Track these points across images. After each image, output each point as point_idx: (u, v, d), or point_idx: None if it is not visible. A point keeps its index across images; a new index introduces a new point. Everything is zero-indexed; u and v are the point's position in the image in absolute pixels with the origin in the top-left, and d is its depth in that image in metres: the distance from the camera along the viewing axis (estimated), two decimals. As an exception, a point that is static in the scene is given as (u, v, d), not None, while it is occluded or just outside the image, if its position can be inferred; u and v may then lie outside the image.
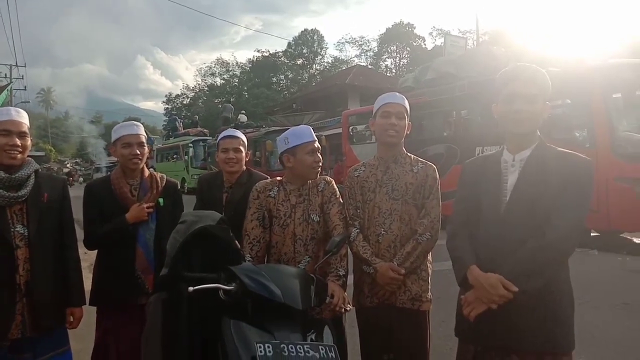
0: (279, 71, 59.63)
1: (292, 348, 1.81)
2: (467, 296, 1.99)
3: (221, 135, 3.23)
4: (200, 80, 64.13)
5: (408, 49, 53.37)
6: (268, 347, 1.79)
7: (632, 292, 5.54)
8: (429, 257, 2.67)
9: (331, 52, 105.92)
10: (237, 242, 2.35)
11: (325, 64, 59.32)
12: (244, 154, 3.13)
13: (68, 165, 54.09)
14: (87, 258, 3.58)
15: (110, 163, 35.03)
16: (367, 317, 2.68)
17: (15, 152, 2.40)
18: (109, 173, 3.01)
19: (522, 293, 1.85)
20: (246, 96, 54.75)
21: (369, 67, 48.85)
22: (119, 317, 2.83)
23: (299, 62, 59.59)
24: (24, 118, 2.48)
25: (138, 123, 3.02)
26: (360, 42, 57.36)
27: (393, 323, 2.59)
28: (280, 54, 60.02)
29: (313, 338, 1.96)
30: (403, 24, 53.53)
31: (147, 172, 2.97)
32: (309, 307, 2.06)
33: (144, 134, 2.96)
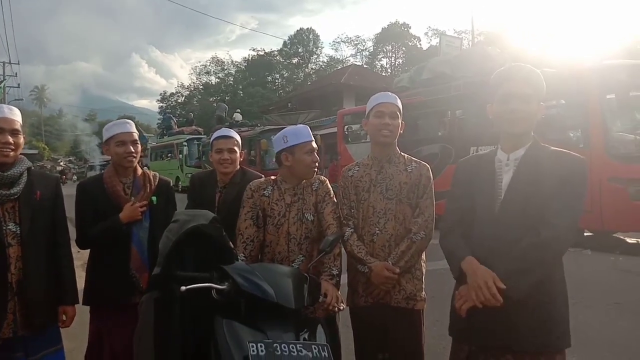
0: (275, 70, 59.62)
1: (284, 347, 1.80)
2: (460, 289, 2.00)
3: (215, 135, 3.22)
4: (195, 78, 64.11)
5: (403, 48, 53.49)
6: (261, 346, 1.78)
7: (624, 292, 5.58)
8: (423, 256, 2.67)
9: (327, 51, 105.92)
10: (230, 241, 2.34)
11: (321, 63, 59.41)
12: (238, 154, 3.12)
13: (61, 164, 53.82)
14: (80, 257, 3.56)
15: (104, 161, 34.89)
16: (362, 317, 2.68)
17: (8, 150, 2.38)
18: (102, 171, 2.99)
19: (516, 291, 1.85)
20: (241, 95, 54.73)
21: (365, 66, 48.96)
22: (113, 317, 2.81)
23: (294, 61, 59.61)
24: (16, 115, 2.46)
25: (130, 121, 3.00)
26: (355, 42, 57.52)
27: (388, 322, 2.60)
28: (275, 53, 60.07)
29: (306, 337, 1.95)
30: (399, 23, 53.67)
31: (139, 171, 2.96)
32: (302, 307, 2.06)
33: (136, 131, 2.95)
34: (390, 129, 2.62)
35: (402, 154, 2.74)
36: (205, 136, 25.08)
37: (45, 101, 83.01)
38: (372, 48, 56.02)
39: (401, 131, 2.68)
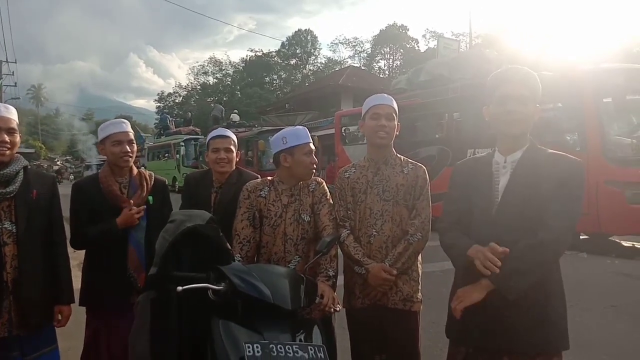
0: (272, 71, 59.60)
1: (281, 348, 1.80)
2: (458, 291, 1.99)
3: (211, 134, 3.21)
4: (192, 79, 64.05)
5: (401, 50, 53.54)
6: (257, 347, 1.78)
7: (620, 295, 5.59)
8: (419, 258, 2.67)
9: (325, 52, 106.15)
10: (226, 241, 2.34)
11: (319, 65, 59.41)
12: (234, 154, 3.11)
13: (58, 163, 53.71)
14: (76, 256, 3.54)
15: (101, 161, 34.76)
16: (358, 318, 2.68)
17: (4, 149, 2.38)
18: (98, 171, 2.99)
19: (514, 291, 1.85)
20: (239, 95, 54.69)
21: (362, 68, 48.97)
22: (110, 317, 2.80)
23: (292, 62, 59.61)
24: (12, 114, 2.45)
25: (125, 120, 3.00)
26: (353, 43, 57.49)
27: (384, 324, 2.60)
28: (273, 53, 60.00)
29: (302, 338, 1.95)
30: (397, 25, 53.72)
31: (135, 170, 2.95)
32: (299, 307, 2.05)
33: (132, 131, 2.94)
34: (387, 130, 2.62)
35: (399, 155, 2.74)
36: (202, 136, 25.04)
37: (43, 100, 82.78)
38: (370, 50, 56.07)
39: (397, 133, 2.69)
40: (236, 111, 29.24)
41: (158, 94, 67.41)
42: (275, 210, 2.60)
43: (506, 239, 1.93)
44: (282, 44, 58.98)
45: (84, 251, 2.93)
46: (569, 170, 1.95)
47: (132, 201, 2.81)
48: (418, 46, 53.02)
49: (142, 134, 36.09)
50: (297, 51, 59.04)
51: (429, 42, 50.98)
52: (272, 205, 2.61)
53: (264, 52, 60.27)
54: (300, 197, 2.64)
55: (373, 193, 2.64)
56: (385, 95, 2.75)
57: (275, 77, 60.21)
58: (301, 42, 59.07)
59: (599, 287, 5.94)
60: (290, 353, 1.81)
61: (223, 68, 62.35)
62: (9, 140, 2.39)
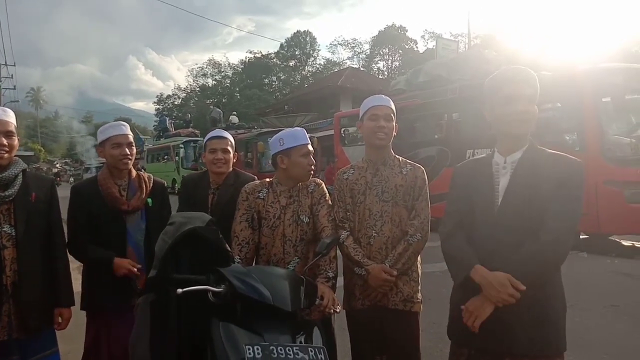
0: (271, 72, 59.69)
1: (281, 350, 1.80)
2: (467, 305, 1.95)
3: (208, 135, 3.20)
4: (191, 81, 64.21)
5: (400, 51, 53.65)
6: (257, 349, 1.78)
7: (620, 295, 5.59)
8: (419, 258, 2.67)
9: (323, 54, 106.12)
10: (226, 243, 2.33)
11: (318, 66, 59.52)
12: (231, 155, 3.11)
13: (57, 166, 53.71)
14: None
15: (100, 163, 34.79)
16: (358, 319, 2.68)
17: (2, 152, 2.38)
18: (97, 173, 2.98)
19: (518, 296, 1.84)
20: (238, 97, 54.75)
21: (361, 69, 49.03)
22: (110, 319, 2.79)
23: (291, 64, 59.69)
24: (10, 117, 2.45)
25: (125, 123, 2.99)
26: (352, 45, 57.66)
27: (385, 325, 2.60)
28: (272, 55, 60.13)
29: (302, 340, 1.95)
30: (395, 26, 53.84)
31: (134, 173, 2.95)
32: (299, 309, 2.05)
33: (132, 133, 2.94)
34: (385, 131, 2.62)
35: (397, 156, 2.74)
36: (201, 139, 25.03)
37: (42, 103, 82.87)
38: (369, 51, 56.19)
39: (395, 134, 2.69)
40: (235, 113, 29.26)
41: (157, 96, 67.56)
42: (273, 212, 2.60)
43: (507, 239, 1.93)
44: (281, 46, 59.16)
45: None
46: (568, 170, 1.94)
47: (135, 268, 2.75)
48: (417, 47, 53.19)
49: (141, 136, 36.12)
50: (296, 53, 59.15)
51: (427, 43, 51.18)
52: (271, 206, 2.61)
53: (263, 53, 60.52)
54: (299, 198, 2.64)
55: (372, 194, 2.63)
56: (383, 96, 2.76)
57: (274, 78, 60.31)
58: (300, 43, 59.16)
59: (599, 287, 5.93)
60: (290, 355, 1.80)
61: (222, 70, 62.53)
62: (7, 144, 2.39)
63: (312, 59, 60.16)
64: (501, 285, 1.85)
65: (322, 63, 59.42)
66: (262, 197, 2.63)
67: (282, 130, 2.77)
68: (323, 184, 2.73)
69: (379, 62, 56.33)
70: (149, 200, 2.90)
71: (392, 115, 2.67)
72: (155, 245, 2.23)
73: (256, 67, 58.56)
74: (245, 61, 61.35)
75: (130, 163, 2.88)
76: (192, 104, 59.35)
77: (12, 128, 2.43)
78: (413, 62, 37.43)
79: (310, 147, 2.64)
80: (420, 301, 2.63)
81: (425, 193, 2.65)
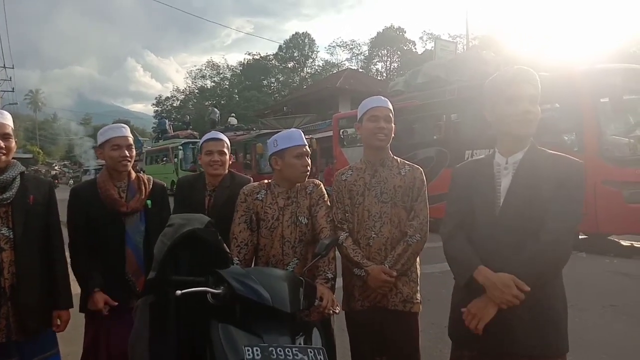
0: (270, 74, 59.73)
1: (280, 351, 1.79)
2: (470, 307, 1.94)
3: (205, 137, 3.20)
4: (190, 82, 64.24)
5: (399, 52, 53.71)
6: (256, 350, 1.78)
7: (619, 294, 5.59)
8: (417, 259, 2.67)
9: (322, 55, 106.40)
10: (225, 245, 2.33)
11: (316, 67, 59.58)
12: (228, 157, 3.11)
13: (56, 168, 53.66)
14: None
15: (99, 165, 34.72)
16: (358, 320, 2.67)
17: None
18: (96, 176, 2.98)
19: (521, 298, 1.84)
20: (237, 99, 54.77)
21: (360, 70, 49.10)
22: (109, 321, 2.78)
23: (290, 65, 59.71)
24: (7, 119, 2.45)
25: (125, 125, 2.99)
26: (351, 46, 57.78)
27: (384, 325, 2.60)
28: (271, 57, 60.16)
29: (302, 341, 1.95)
30: (394, 28, 53.89)
31: (133, 175, 2.94)
32: (298, 310, 2.05)
33: (132, 135, 2.94)
34: (385, 132, 2.63)
35: (395, 157, 2.74)
36: (200, 140, 24.99)
37: (40, 105, 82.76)
38: (367, 52, 56.28)
39: (392, 135, 2.69)
40: (233, 114, 29.27)
41: (156, 98, 67.54)
42: (272, 213, 2.60)
43: (508, 240, 1.92)
44: (280, 47, 59.19)
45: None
46: (569, 171, 1.94)
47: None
48: (415, 48, 53.24)
49: (140, 138, 36.07)
50: (295, 54, 59.18)
51: (426, 44, 51.25)
52: (269, 208, 2.61)
53: (262, 55, 60.48)
54: (298, 199, 2.64)
55: (371, 195, 2.63)
56: (382, 97, 2.76)
57: (273, 80, 60.34)
58: (299, 45, 59.20)
59: (598, 287, 5.94)
60: (289, 356, 1.80)
61: (221, 72, 62.57)
62: (4, 146, 2.39)
63: (311, 60, 60.27)
64: (505, 287, 1.84)
65: (321, 64, 59.59)
66: (260, 199, 2.63)
67: (280, 131, 2.77)
68: (322, 185, 2.73)
69: (377, 63, 56.46)
70: (149, 202, 2.90)
71: (391, 116, 2.67)
72: (154, 247, 2.23)
73: (255, 68, 58.59)
74: (243, 63, 61.43)
75: (130, 165, 2.88)
76: (190, 106, 59.35)
77: (10, 130, 2.43)
78: (411, 63, 37.45)
79: (306, 149, 2.63)
80: (420, 302, 2.63)
81: (423, 194, 2.65)
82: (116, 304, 2.72)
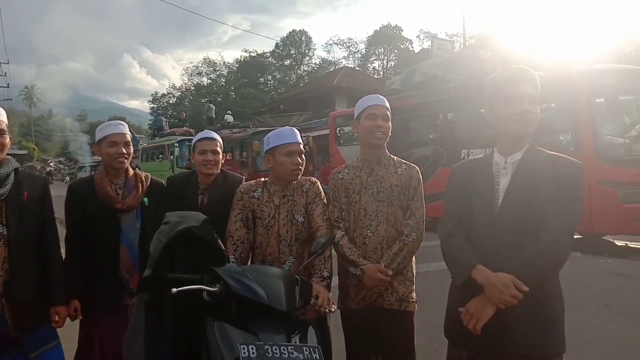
0: (267, 72, 59.60)
1: (276, 349, 1.79)
2: (468, 307, 1.94)
3: (198, 136, 3.19)
4: (186, 79, 64.01)
5: (395, 51, 53.71)
6: (252, 348, 1.77)
7: (614, 294, 5.62)
8: (413, 258, 2.67)
9: (319, 53, 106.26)
10: (221, 243, 2.33)
11: (313, 65, 59.52)
12: (221, 156, 3.10)
13: (51, 164, 53.46)
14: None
15: (95, 162, 34.61)
16: (353, 319, 2.67)
17: (-7, 151, 2.36)
18: (93, 172, 2.96)
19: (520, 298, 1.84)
20: (233, 96, 54.66)
21: (357, 68, 49.11)
22: (103, 318, 2.78)
23: (286, 63, 59.64)
24: (2, 115, 2.44)
25: (123, 122, 2.98)
26: (348, 44, 57.71)
27: (380, 324, 2.60)
28: (267, 54, 60.07)
29: (297, 339, 1.94)
30: (391, 26, 53.86)
31: (131, 172, 2.93)
32: (294, 308, 2.04)
33: (129, 133, 2.92)
34: (383, 131, 2.62)
35: (392, 156, 2.74)
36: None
37: (35, 101, 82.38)
38: (364, 50, 56.23)
39: (390, 133, 2.69)
40: (230, 112, 29.18)
41: (152, 95, 67.43)
42: (268, 211, 2.59)
43: (506, 240, 1.92)
44: (277, 45, 59.05)
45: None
46: (568, 171, 1.94)
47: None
48: (412, 47, 53.28)
49: (135, 135, 35.94)
50: (292, 52, 59.09)
51: (423, 42, 51.26)
52: (265, 206, 2.60)
53: (258, 52, 60.40)
54: (294, 197, 2.63)
55: (367, 194, 2.63)
56: (380, 95, 2.76)
57: (269, 77, 60.24)
58: (295, 42, 59.11)
59: (593, 287, 5.96)
60: (285, 354, 1.80)
61: (217, 69, 62.41)
62: (-2, 142, 2.37)
63: (308, 58, 60.18)
64: (504, 286, 1.84)
65: (318, 62, 59.54)
66: (256, 197, 2.63)
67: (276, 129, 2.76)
68: (318, 183, 2.73)
69: (374, 61, 56.46)
70: (145, 199, 2.89)
71: (389, 114, 2.67)
72: (150, 245, 2.23)
73: (251, 66, 58.47)
74: (240, 60, 61.25)
75: (126, 162, 2.87)
76: (187, 103, 59.15)
77: (3, 126, 2.42)
78: (408, 61, 37.52)
79: (298, 147, 2.61)
80: (415, 301, 2.63)
81: (420, 193, 2.65)
82: (79, 318, 2.74)
